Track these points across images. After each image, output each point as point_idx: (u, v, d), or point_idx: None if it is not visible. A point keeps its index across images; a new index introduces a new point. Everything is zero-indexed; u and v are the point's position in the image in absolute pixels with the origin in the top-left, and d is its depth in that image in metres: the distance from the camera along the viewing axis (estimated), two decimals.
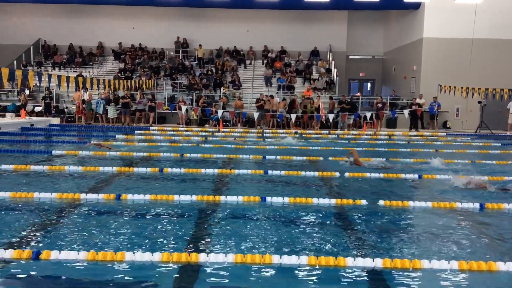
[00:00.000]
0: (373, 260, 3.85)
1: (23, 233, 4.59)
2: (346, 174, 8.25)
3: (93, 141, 12.38)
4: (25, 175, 7.75)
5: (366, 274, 3.72)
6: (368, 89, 30.99)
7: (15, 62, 25.53)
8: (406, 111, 20.54)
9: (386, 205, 6.02)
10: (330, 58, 27.18)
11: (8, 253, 3.84)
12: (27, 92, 22.69)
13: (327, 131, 19.01)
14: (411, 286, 3.61)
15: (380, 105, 21.05)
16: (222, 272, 3.68)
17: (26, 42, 27.16)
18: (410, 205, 6.04)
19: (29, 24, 27.60)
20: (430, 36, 22.71)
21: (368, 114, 20.31)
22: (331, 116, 20.04)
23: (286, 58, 27.30)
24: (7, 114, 21.04)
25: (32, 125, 17.23)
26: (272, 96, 21.61)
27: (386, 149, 13.01)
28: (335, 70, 25.63)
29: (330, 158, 10.45)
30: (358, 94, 26.29)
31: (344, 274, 3.71)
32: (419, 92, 22.52)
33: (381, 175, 8.27)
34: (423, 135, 18.27)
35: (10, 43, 27.21)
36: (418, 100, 21.47)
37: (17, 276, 3.56)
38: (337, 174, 8.28)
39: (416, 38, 23.68)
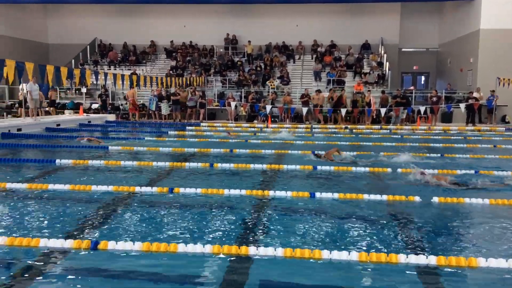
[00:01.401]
0: (427, 257, 3.75)
1: (82, 224, 4.82)
2: (399, 170, 8.05)
3: (85, 136, 12.75)
4: (84, 169, 8.11)
5: (419, 272, 3.63)
6: (422, 82, 30.03)
7: (73, 61, 26.71)
8: (462, 105, 19.72)
9: (441, 201, 5.83)
10: (382, 51, 26.53)
11: (68, 243, 4.04)
12: (84, 89, 23.69)
13: (378, 126, 18.60)
14: (467, 284, 3.49)
15: (435, 99, 20.35)
16: (271, 266, 3.70)
17: (83, 42, 28.34)
18: (466, 202, 5.82)
19: (86, 25, 28.76)
20: (488, 27, 21.66)
21: (422, 109, 19.68)
22: (383, 111, 19.59)
23: (336, 52, 26.93)
24: (66, 111, 22.12)
25: (89, 121, 18.01)
26: (319, 91, 21.39)
27: (441, 145, 12.58)
28: (387, 63, 24.99)
29: (381, 154, 10.23)
30: (412, 88, 25.52)
31: (396, 271, 3.64)
32: (476, 85, 21.55)
33: (436, 171, 8.00)
34: (480, 130, 17.50)
35: (68, 43, 28.50)
36: (475, 94, 20.55)
37: (76, 265, 3.74)
38: (389, 170, 8.10)
39: (473, 29, 22.66)
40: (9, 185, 6.40)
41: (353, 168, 8.15)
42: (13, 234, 4.29)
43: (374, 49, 27.18)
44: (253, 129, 17.29)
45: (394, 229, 4.77)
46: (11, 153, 10.27)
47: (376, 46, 27.25)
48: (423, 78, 30.04)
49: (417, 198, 5.89)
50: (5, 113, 21.62)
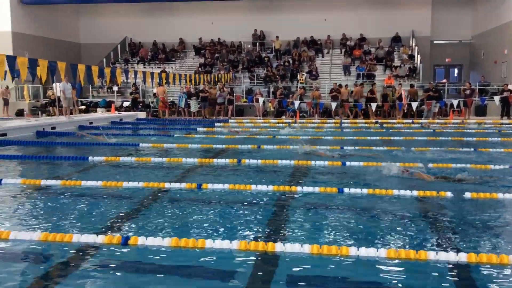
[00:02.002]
0: (457, 254, 3.67)
1: (113, 219, 4.93)
2: (430, 165, 7.90)
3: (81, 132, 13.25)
4: (116, 166, 8.30)
5: (449, 269, 3.56)
6: (455, 75, 29.28)
7: (104, 60, 27.27)
8: (497, 98, 19.13)
9: (473, 197, 5.69)
10: (413, 44, 26.00)
11: (100, 239, 4.14)
12: (115, 88, 24.18)
13: (410, 120, 18.26)
14: (498, 282, 3.40)
15: (468, 91, 19.83)
16: (298, 262, 3.70)
17: (114, 41, 28.89)
18: (500, 197, 5.66)
19: (116, 24, 29.29)
20: None
21: (455, 102, 19.20)
22: (414, 105, 19.22)
23: (365, 45, 26.56)
24: (98, 109, 22.62)
25: (121, 119, 18.36)
26: (344, 85, 21.15)
27: (474, 138, 12.26)
28: (419, 56, 24.48)
29: (412, 149, 10.06)
30: (444, 80, 24.94)
31: (425, 268, 3.58)
32: (511, 78, 20.87)
33: (468, 165, 7.82)
34: None
35: (99, 42, 29.10)
36: (510, 86, 19.89)
37: (108, 260, 3.83)
38: (420, 164, 7.94)
39: (507, 20, 21.94)
40: (43, 182, 6.60)
41: (383, 163, 8.04)
42: (47, 230, 4.42)
43: (405, 42, 26.66)
44: (281, 125, 17.25)
45: (424, 225, 4.68)
46: (46, 150, 10.59)
47: (407, 39, 26.72)
48: (456, 70, 29.30)
49: (448, 194, 5.76)
50: (39, 112, 22.30)
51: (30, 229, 4.50)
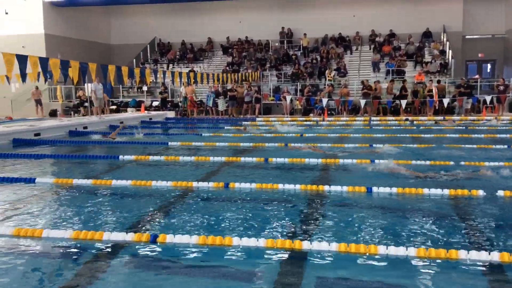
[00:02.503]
0: (489, 254, 3.57)
1: (142, 218, 5.01)
2: (462, 163, 7.71)
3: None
4: (145, 165, 8.42)
5: (481, 268, 3.46)
6: (488, 70, 28.46)
7: (134, 60, 27.72)
8: None
9: (506, 195, 5.52)
10: (444, 39, 25.41)
11: (130, 236, 4.21)
12: (145, 88, 24.54)
13: (441, 117, 17.87)
14: None
15: (502, 87, 19.24)
16: (325, 261, 3.67)
17: (143, 41, 29.32)
18: None
19: (146, 24, 29.73)
20: None
21: (488, 98, 18.68)
22: (445, 101, 18.80)
23: (395, 41, 26.12)
24: (128, 109, 23.02)
25: (150, 118, 18.64)
26: (378, 81, 20.85)
27: (508, 135, 11.90)
28: (450, 51, 23.91)
29: (444, 145, 9.84)
30: (477, 76, 24.29)
31: (456, 267, 3.49)
32: None
33: (502, 163, 7.59)
34: None
35: (129, 43, 29.60)
36: None
37: (137, 257, 3.89)
38: (452, 163, 7.77)
39: None
40: (75, 181, 6.76)
41: (412, 161, 7.89)
42: (79, 228, 4.53)
43: (436, 37, 26.09)
44: (308, 122, 17.17)
45: (455, 224, 4.57)
46: (78, 150, 10.85)
47: (438, 34, 26.14)
48: (489, 66, 28.46)
49: (480, 192, 5.61)
50: (72, 112, 22.86)
51: (62, 227, 4.62)
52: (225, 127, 15.62)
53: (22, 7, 24.45)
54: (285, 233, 4.38)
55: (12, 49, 11.88)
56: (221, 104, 21.72)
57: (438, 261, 3.59)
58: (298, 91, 22.73)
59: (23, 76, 10.30)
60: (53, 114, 23.33)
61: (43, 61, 10.68)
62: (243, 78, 23.11)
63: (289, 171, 7.59)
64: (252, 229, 4.51)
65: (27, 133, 12.39)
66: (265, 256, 3.79)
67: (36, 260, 3.85)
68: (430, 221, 4.66)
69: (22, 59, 9.86)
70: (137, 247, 4.06)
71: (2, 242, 4.24)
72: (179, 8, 29.06)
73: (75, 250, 4.05)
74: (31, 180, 6.82)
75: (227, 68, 26.09)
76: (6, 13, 24.39)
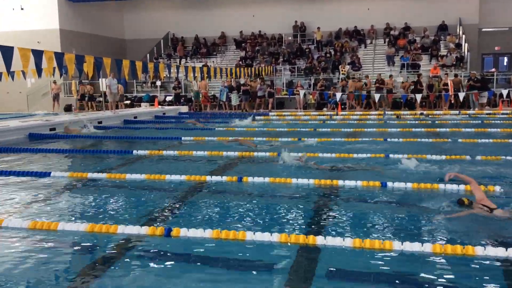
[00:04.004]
0: (506, 250, 3.51)
1: (156, 211, 5.03)
2: (478, 157, 7.60)
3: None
4: (159, 159, 8.46)
5: (498, 264, 3.41)
6: (505, 64, 27.96)
7: (148, 55, 27.81)
8: None
9: None
10: (460, 32, 25.02)
11: (144, 230, 4.23)
12: (158, 83, 24.65)
13: (457, 111, 17.64)
14: None
15: None
16: (339, 256, 3.65)
17: (157, 36, 29.39)
18: None
19: (159, 19, 29.77)
20: None
21: (505, 92, 18.37)
22: (461, 96, 18.53)
23: (410, 34, 25.79)
24: (142, 104, 23.14)
25: (164, 113, 18.71)
26: (391, 76, 20.63)
27: None
28: (466, 44, 23.55)
29: (460, 140, 9.71)
30: (493, 70, 23.90)
31: (472, 263, 3.44)
32: None
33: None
34: None
35: (143, 38, 29.69)
36: None
37: (151, 251, 3.91)
38: (468, 157, 7.66)
39: None
40: (90, 175, 6.81)
41: (427, 156, 7.80)
42: (94, 221, 4.56)
43: (452, 30, 25.70)
44: (322, 117, 17.07)
45: (471, 220, 4.50)
46: (92, 144, 10.94)
47: (454, 27, 25.74)
48: (505, 59, 27.96)
49: (497, 188, 5.52)
50: (73, 108, 23.06)
51: (77, 221, 4.66)
52: (238, 122, 15.56)
53: (37, 3, 24.66)
54: (299, 228, 4.36)
55: (27, 45, 11.97)
56: (234, 99, 21.70)
57: (454, 257, 3.54)
58: (312, 85, 22.60)
59: (39, 71, 10.39)
60: (68, 109, 23.56)
61: (59, 56, 10.75)
62: (256, 72, 23.06)
63: (303, 166, 7.52)
64: (266, 223, 4.49)
65: (43, 128, 12.54)
66: (279, 251, 3.78)
67: (52, 253, 3.88)
68: (446, 217, 4.59)
69: (38, 54, 9.93)
70: (151, 240, 4.08)
71: (18, 235, 4.29)
72: (192, 2, 29.06)
73: (90, 243, 4.09)
74: (46, 174, 6.90)
75: (240, 62, 26.04)
76: (22, 9, 24.63)
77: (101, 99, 21.65)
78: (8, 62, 9.21)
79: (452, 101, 19.51)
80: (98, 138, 11.97)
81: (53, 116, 16.46)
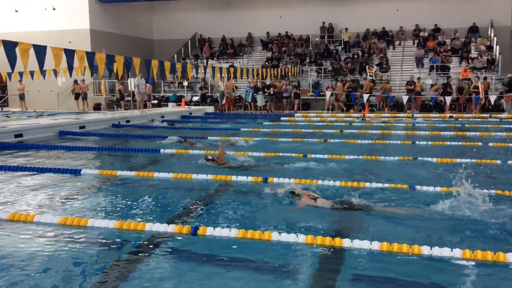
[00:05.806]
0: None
1: (183, 210, 5.08)
2: (509, 162, 7.40)
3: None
4: (185, 158, 8.53)
5: None
6: None
7: (175, 55, 28.11)
8: None
9: None
10: (492, 34, 24.44)
11: (171, 228, 4.28)
12: (185, 83, 24.89)
13: (487, 115, 17.22)
14: None
15: None
16: (366, 259, 3.61)
17: (184, 37, 29.69)
18: None
19: (187, 20, 30.08)
20: None
21: None
22: (492, 99, 18.09)
23: (440, 36, 25.34)
24: (169, 103, 23.41)
25: (190, 113, 18.88)
26: (419, 78, 20.29)
27: None
28: (498, 47, 22.98)
29: (490, 144, 9.49)
30: None
31: (503, 270, 3.36)
32: None
33: None
34: None
35: (171, 38, 30.06)
36: None
37: (177, 249, 3.95)
38: (498, 162, 7.48)
39: None
40: (119, 173, 6.93)
41: (457, 160, 7.64)
42: (122, 219, 4.64)
43: (483, 32, 25.14)
44: (349, 119, 16.93)
45: (502, 225, 4.39)
46: (121, 143, 11.12)
47: (485, 29, 25.17)
48: None
49: None
50: (115, 106, 23.46)
51: (106, 218, 4.74)
52: (264, 122, 15.57)
53: (68, 3, 25.25)
54: (325, 229, 4.34)
55: (58, 44, 12.25)
56: (260, 100, 21.72)
57: (484, 263, 3.46)
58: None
59: (70, 70, 10.62)
60: (97, 107, 24.02)
61: (90, 56, 10.98)
62: (283, 73, 23.03)
63: (329, 167, 7.48)
64: (292, 224, 4.48)
65: (73, 126, 12.82)
66: (304, 252, 3.76)
67: (81, 249, 3.97)
68: (477, 222, 4.48)
69: (70, 54, 10.16)
70: (178, 238, 4.12)
71: (49, 231, 4.40)
72: (220, 3, 29.24)
73: (119, 240, 4.15)
74: (77, 172, 7.05)
75: (267, 63, 26.05)
76: (54, 9, 25.25)
77: (129, 98, 21.98)
78: (41, 61, 9.45)
79: (482, 104, 19.05)
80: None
81: (82, 115, 16.80)
